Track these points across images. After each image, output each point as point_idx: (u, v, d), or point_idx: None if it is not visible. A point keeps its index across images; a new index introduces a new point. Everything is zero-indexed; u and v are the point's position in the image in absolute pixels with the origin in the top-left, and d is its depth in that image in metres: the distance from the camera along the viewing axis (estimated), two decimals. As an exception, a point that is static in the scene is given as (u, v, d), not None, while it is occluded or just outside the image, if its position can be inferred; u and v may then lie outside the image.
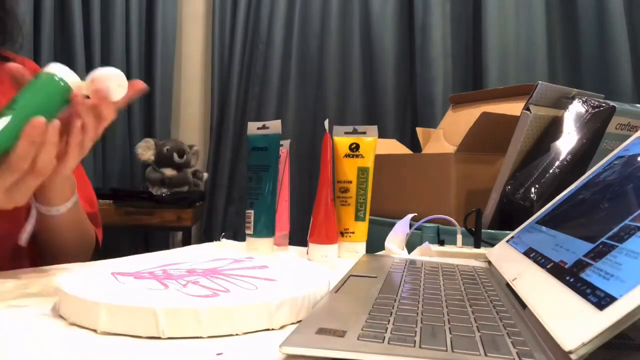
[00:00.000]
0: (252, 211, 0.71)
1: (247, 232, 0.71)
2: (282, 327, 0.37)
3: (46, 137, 0.47)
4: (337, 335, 0.30)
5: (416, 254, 0.67)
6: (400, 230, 0.68)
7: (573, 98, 0.87)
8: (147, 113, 2.18)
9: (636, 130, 0.69)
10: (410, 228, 0.69)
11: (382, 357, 0.28)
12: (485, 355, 0.28)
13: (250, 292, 0.39)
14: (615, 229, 0.34)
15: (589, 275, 0.32)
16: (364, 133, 0.72)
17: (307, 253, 0.68)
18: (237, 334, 0.35)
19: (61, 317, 0.38)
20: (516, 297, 0.41)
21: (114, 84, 0.50)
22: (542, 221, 0.55)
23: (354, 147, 0.71)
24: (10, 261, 0.66)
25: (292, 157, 0.75)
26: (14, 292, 0.46)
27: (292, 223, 0.80)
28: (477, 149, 0.97)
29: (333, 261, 0.66)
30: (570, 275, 0.34)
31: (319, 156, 0.67)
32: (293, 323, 0.38)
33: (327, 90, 1.99)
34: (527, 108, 0.86)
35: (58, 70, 0.48)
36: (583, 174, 0.54)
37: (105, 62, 2.08)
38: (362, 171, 0.71)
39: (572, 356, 0.26)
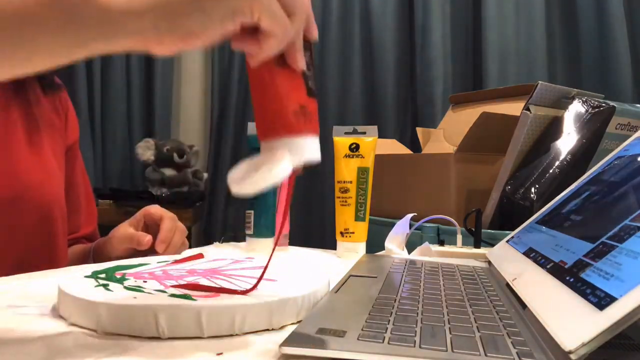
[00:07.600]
0: (252, 211, 0.71)
1: (247, 232, 0.71)
2: (282, 327, 0.37)
3: None
4: (337, 335, 0.30)
5: (416, 254, 0.67)
6: (400, 230, 0.68)
7: (573, 98, 0.87)
8: (147, 113, 2.17)
9: (636, 130, 0.69)
10: (410, 228, 0.69)
11: (382, 357, 0.28)
12: (485, 355, 0.28)
13: (251, 292, 0.39)
14: (615, 229, 0.34)
15: (589, 275, 0.32)
16: (364, 133, 0.72)
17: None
18: (237, 334, 0.35)
19: (61, 317, 0.38)
20: (516, 297, 0.41)
21: None
22: (542, 221, 0.55)
23: (354, 147, 0.71)
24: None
25: (292, 157, 0.75)
26: (14, 292, 0.46)
27: (292, 223, 0.80)
28: (477, 149, 0.97)
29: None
30: (570, 275, 0.34)
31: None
32: (293, 323, 0.38)
33: (327, 90, 1.99)
34: (527, 108, 0.86)
35: None
36: (583, 174, 0.54)
37: (106, 62, 2.08)
38: (362, 171, 0.71)
39: (572, 356, 0.26)
